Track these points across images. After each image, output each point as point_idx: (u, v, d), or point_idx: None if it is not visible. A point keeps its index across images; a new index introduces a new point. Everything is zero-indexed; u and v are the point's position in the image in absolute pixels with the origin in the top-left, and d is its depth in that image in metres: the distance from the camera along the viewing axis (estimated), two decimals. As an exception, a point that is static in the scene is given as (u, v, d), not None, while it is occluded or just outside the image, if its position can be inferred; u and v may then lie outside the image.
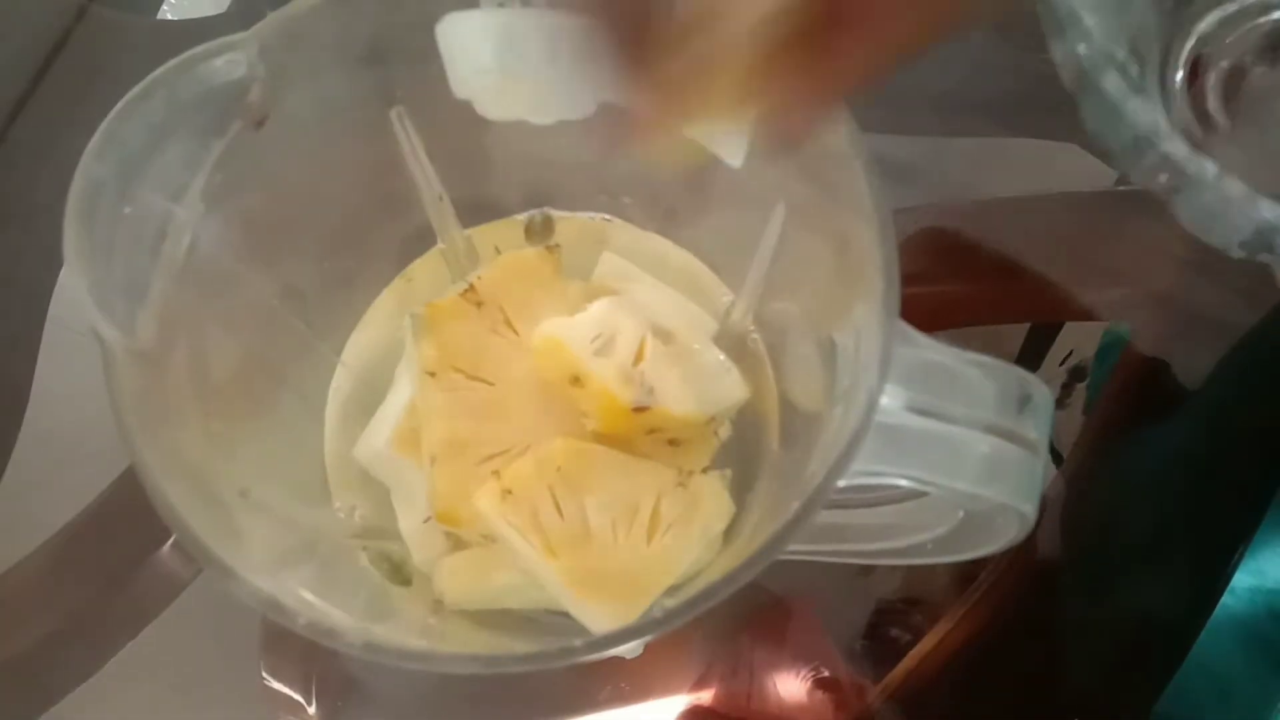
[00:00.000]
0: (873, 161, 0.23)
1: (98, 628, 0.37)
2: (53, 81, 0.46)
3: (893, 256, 0.22)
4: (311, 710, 0.35)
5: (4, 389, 0.40)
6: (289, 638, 0.35)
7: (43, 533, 0.38)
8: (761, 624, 0.37)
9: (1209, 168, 0.26)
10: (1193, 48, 0.35)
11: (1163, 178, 0.28)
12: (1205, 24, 0.35)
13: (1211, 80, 0.35)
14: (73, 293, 0.40)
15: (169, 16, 0.49)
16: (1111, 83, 0.28)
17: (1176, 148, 0.27)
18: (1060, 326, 0.42)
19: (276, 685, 0.35)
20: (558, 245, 0.33)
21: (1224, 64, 0.35)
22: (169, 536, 0.37)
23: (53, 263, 0.43)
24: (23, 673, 0.36)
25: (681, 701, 0.35)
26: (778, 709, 0.36)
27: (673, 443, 0.30)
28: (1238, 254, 0.28)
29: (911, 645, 0.36)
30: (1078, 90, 0.29)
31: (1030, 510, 0.23)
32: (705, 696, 0.35)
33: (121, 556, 0.38)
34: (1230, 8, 0.35)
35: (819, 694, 0.36)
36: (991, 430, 0.22)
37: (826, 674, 0.36)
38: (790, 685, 0.36)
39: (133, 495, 0.37)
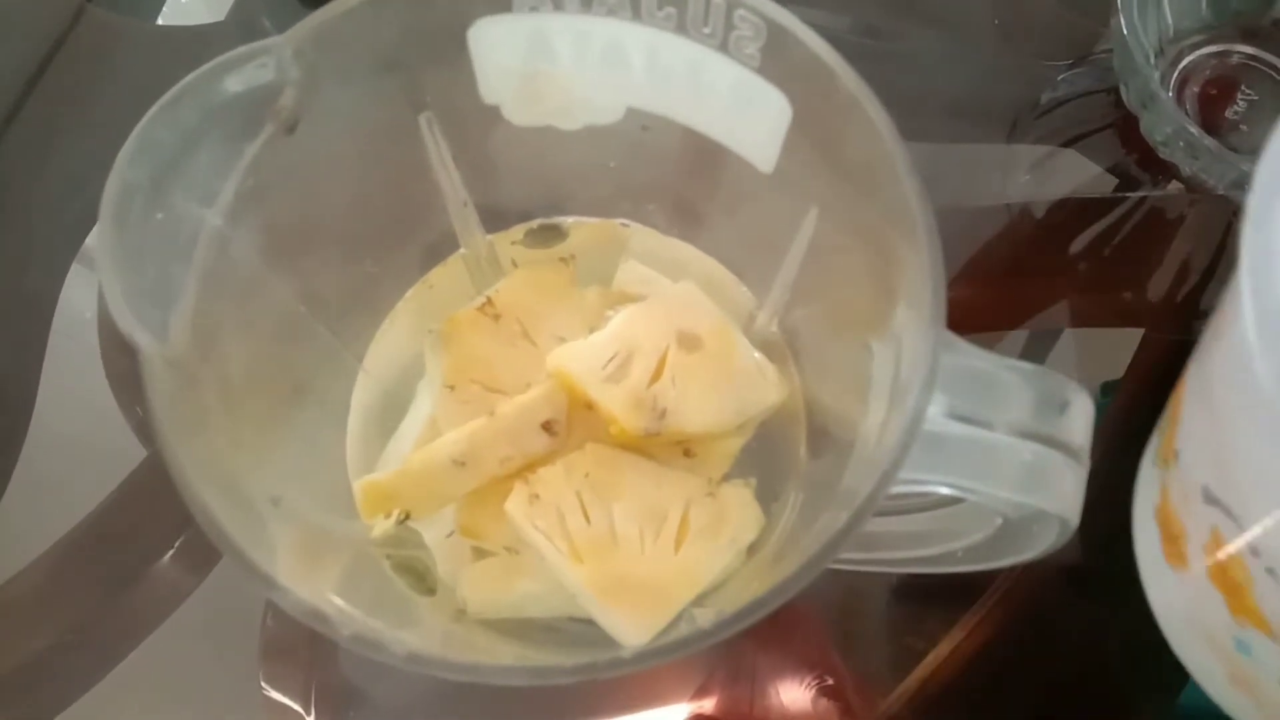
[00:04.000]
0: (914, 164, 0.23)
1: (98, 638, 0.36)
2: (49, 85, 0.46)
3: (939, 262, 0.22)
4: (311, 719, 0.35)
5: (9, 397, 0.40)
6: (288, 647, 0.35)
7: (43, 543, 0.37)
8: (764, 631, 0.36)
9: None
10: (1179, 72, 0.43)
11: (1181, 144, 0.38)
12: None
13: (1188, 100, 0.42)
14: (76, 299, 0.41)
15: (168, 21, 0.49)
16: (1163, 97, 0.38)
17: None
18: (1059, 333, 0.42)
19: (275, 695, 0.35)
20: (573, 257, 0.33)
21: (1195, 89, 0.43)
22: (170, 546, 0.37)
23: (55, 269, 0.42)
24: (23, 684, 0.36)
25: (683, 710, 0.35)
26: (781, 717, 0.35)
27: (687, 453, 0.30)
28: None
29: (925, 653, 0.36)
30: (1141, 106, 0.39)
31: (1073, 517, 0.23)
32: (707, 705, 0.35)
33: (122, 566, 0.37)
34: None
35: (824, 702, 0.35)
36: (1033, 437, 0.22)
37: (830, 682, 0.36)
38: (794, 693, 0.36)
39: (134, 505, 0.38)
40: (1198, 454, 0.27)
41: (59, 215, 0.42)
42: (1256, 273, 0.21)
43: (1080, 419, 0.23)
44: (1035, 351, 0.41)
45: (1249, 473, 0.24)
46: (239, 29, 0.41)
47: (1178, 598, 0.30)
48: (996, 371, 0.23)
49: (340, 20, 0.24)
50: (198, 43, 0.23)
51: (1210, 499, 0.25)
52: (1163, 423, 0.31)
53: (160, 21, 0.49)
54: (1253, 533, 0.24)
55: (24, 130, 0.45)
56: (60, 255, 0.42)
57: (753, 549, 0.29)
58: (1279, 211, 0.20)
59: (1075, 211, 0.43)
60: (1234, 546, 0.25)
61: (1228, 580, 0.26)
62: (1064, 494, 0.23)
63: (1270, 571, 0.24)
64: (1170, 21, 0.42)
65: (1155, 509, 0.30)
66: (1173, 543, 0.29)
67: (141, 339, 0.22)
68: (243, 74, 0.23)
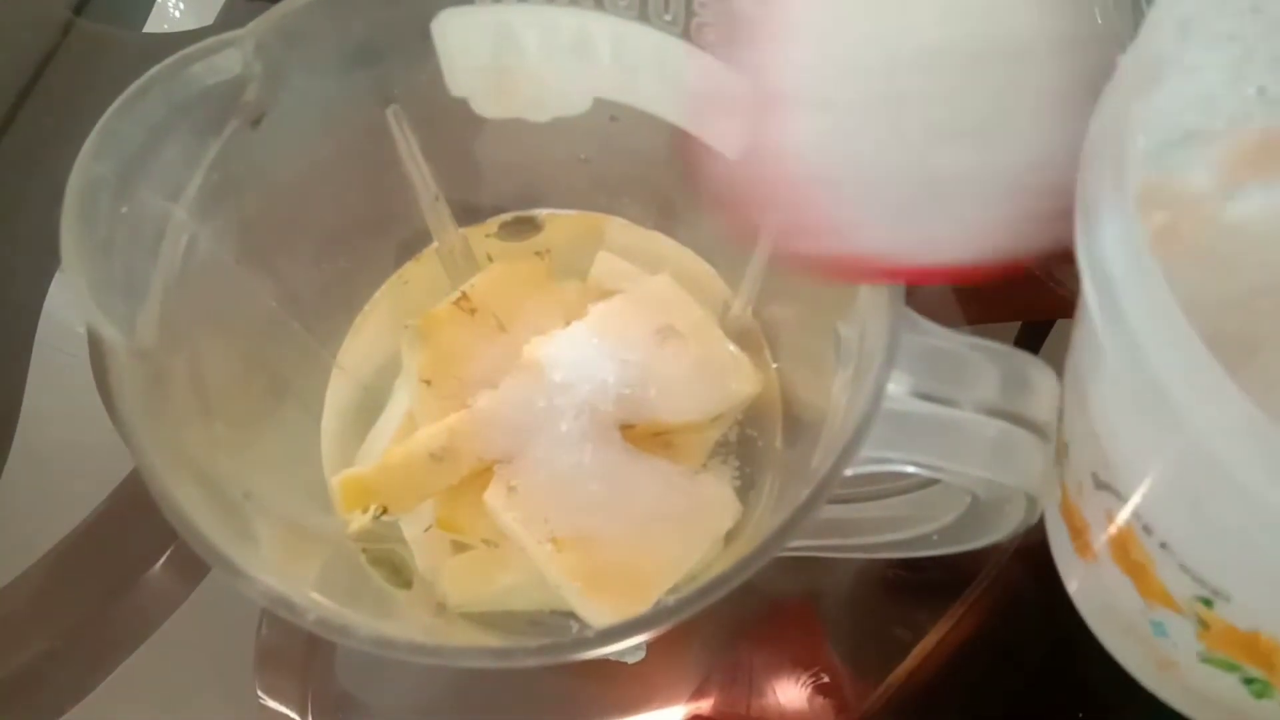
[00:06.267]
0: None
1: (91, 647, 0.36)
2: (40, 96, 0.46)
3: (898, 240, 0.22)
4: (307, 728, 0.35)
5: (-5, 409, 0.40)
6: (284, 655, 0.35)
7: (34, 553, 0.37)
8: (760, 630, 0.37)
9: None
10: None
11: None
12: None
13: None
14: (61, 309, 0.41)
15: (155, 30, 0.49)
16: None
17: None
18: (1052, 324, 0.42)
19: (271, 703, 0.35)
20: (548, 251, 0.33)
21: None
22: (162, 554, 0.37)
23: (41, 280, 0.43)
24: (16, 693, 0.36)
25: (680, 711, 0.35)
26: (778, 716, 0.35)
27: (666, 444, 0.30)
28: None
29: (913, 644, 0.36)
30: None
31: (1039, 493, 0.23)
32: (704, 706, 0.35)
33: (114, 575, 0.37)
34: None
35: (819, 699, 0.35)
36: (998, 414, 0.22)
37: (826, 679, 0.36)
38: (790, 691, 0.35)
39: (125, 514, 0.38)
40: (1081, 443, 0.27)
41: (44, 225, 0.43)
42: (1089, 249, 0.21)
43: (1045, 396, 0.23)
44: (1029, 343, 0.41)
45: (1122, 451, 0.24)
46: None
47: (1093, 591, 0.30)
48: (961, 350, 0.23)
49: (302, 13, 0.24)
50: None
51: (1099, 484, 0.25)
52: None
53: (148, 29, 0.49)
54: (1139, 510, 0.24)
55: (14, 142, 0.45)
56: (45, 265, 0.42)
57: (730, 537, 0.29)
58: (1105, 196, 0.20)
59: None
60: (1127, 527, 0.25)
61: (1131, 563, 0.26)
62: (1030, 470, 0.23)
63: (1164, 547, 0.23)
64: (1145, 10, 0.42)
65: (1059, 505, 0.30)
66: (1079, 536, 0.29)
67: (106, 331, 0.22)
68: (206, 67, 0.24)
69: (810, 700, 0.35)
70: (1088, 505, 0.27)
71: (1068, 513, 0.29)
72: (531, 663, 0.21)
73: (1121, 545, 0.25)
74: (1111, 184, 0.20)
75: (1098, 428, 0.24)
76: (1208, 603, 0.23)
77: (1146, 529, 0.24)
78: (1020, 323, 0.42)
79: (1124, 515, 0.25)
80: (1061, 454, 0.28)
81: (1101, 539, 0.27)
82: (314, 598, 0.23)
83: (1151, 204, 0.22)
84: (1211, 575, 0.23)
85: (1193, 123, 0.23)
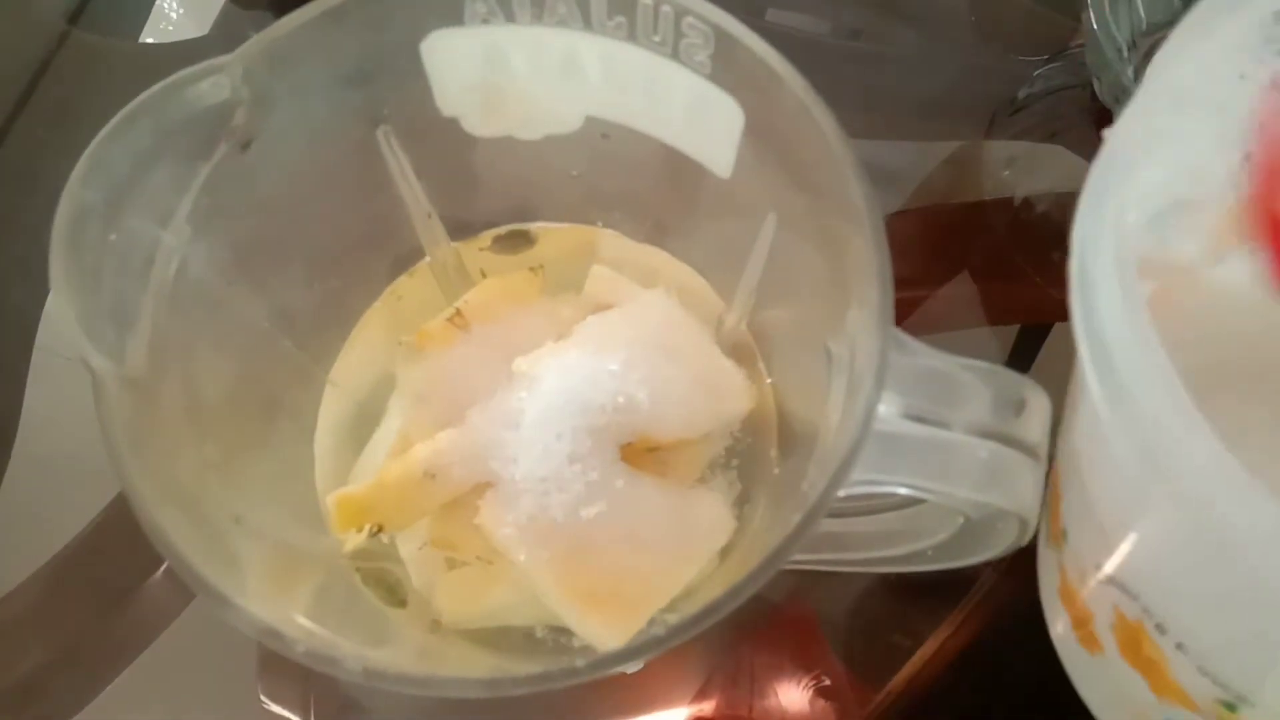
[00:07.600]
0: (863, 167, 0.23)
1: (93, 655, 0.36)
2: (35, 107, 0.46)
3: (886, 263, 0.22)
4: (310, 731, 0.35)
5: (-8, 415, 0.40)
6: (286, 660, 0.35)
7: (35, 560, 0.37)
8: (761, 633, 0.37)
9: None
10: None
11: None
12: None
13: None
14: (59, 320, 0.41)
15: (151, 40, 0.49)
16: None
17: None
18: (1050, 328, 0.42)
19: (274, 708, 0.35)
20: (541, 266, 0.33)
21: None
22: (163, 561, 0.37)
23: (39, 288, 0.43)
24: (17, 702, 0.36)
25: (682, 714, 0.35)
26: (780, 719, 0.35)
27: (660, 459, 0.30)
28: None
29: (914, 650, 0.36)
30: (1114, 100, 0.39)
31: (1031, 515, 0.23)
32: (706, 708, 0.35)
33: (116, 582, 0.37)
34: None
35: (821, 702, 0.35)
36: (990, 435, 0.22)
37: (828, 682, 0.36)
38: (791, 694, 0.36)
39: (126, 521, 0.37)
40: (1082, 532, 0.26)
41: (42, 233, 0.43)
42: (1092, 346, 0.19)
43: (1037, 417, 0.23)
44: (1026, 347, 0.41)
45: (1133, 548, 0.23)
46: (223, 45, 0.41)
47: (1100, 682, 0.29)
48: (952, 371, 0.23)
49: (290, 38, 0.24)
50: (181, 60, 0.23)
51: (1105, 578, 0.24)
52: (1046, 498, 0.30)
53: (144, 39, 0.49)
54: (1150, 608, 0.23)
55: (9, 152, 0.45)
56: (43, 272, 0.42)
57: (725, 553, 0.29)
58: (1102, 272, 0.19)
59: (1052, 206, 0.43)
60: (1136, 624, 0.24)
61: (1142, 659, 0.24)
62: (1021, 492, 0.23)
63: (1180, 648, 0.22)
64: (1143, 15, 0.42)
65: (1058, 591, 0.29)
66: (1082, 626, 0.28)
67: (95, 360, 0.22)
68: (195, 93, 0.24)
69: (812, 703, 0.35)
70: (1092, 597, 0.26)
71: (1068, 600, 0.28)
72: (521, 691, 0.21)
73: (1132, 641, 0.24)
74: (1108, 258, 0.19)
75: (1103, 520, 0.24)
76: (1231, 707, 0.22)
77: (1160, 628, 0.23)
78: (1019, 325, 0.42)
79: (1134, 612, 0.24)
80: (1059, 540, 0.27)
81: (1107, 631, 0.26)
82: (305, 625, 0.23)
83: (1141, 273, 0.21)
84: (1234, 680, 0.22)
85: (1182, 192, 0.22)
